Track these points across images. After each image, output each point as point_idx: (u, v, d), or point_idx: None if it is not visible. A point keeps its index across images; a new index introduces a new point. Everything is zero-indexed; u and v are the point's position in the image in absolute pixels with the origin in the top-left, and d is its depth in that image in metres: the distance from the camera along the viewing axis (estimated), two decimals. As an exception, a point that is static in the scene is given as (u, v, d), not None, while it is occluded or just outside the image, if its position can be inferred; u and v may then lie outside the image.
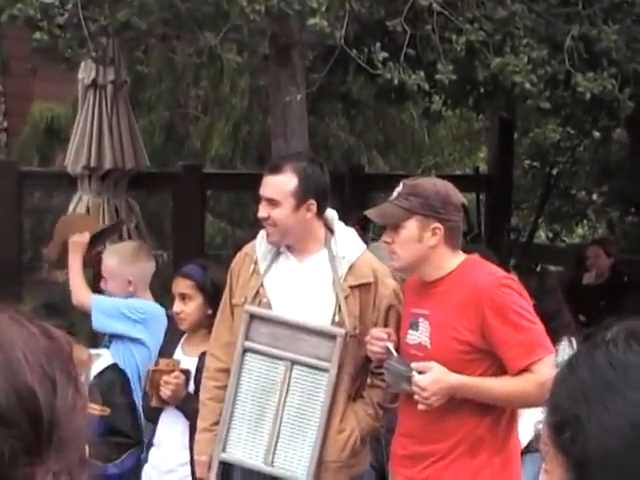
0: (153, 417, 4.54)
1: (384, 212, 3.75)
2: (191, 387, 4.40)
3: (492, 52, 6.06)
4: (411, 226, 3.65)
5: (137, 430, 4.62)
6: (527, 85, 5.88)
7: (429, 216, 3.64)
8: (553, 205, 12.98)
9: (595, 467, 1.06)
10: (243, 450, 3.94)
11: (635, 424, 1.04)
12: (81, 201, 8.11)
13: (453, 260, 3.72)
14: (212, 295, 4.39)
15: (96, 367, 4.57)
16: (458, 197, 3.75)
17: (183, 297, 4.47)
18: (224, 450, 3.95)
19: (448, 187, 3.74)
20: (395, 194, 3.73)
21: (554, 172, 12.61)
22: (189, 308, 4.46)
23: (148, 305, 5.22)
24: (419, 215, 3.64)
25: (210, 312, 4.40)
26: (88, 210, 8.04)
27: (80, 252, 5.68)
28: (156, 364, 4.47)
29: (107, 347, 5.04)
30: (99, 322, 5.09)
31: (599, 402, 1.07)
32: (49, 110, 13.20)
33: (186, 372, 4.39)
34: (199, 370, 4.37)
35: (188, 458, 4.36)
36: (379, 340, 3.75)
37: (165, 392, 4.33)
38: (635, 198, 11.36)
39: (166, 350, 4.59)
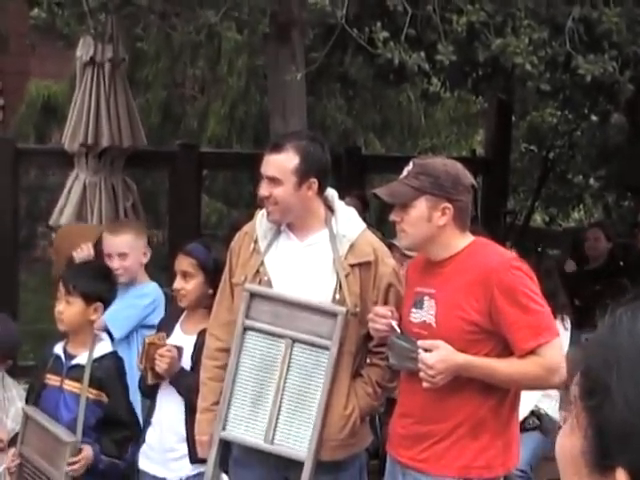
0: (150, 394, 4.54)
1: (394, 191, 3.73)
2: (187, 364, 4.41)
3: (493, 33, 6.04)
4: (421, 205, 3.64)
5: (136, 421, 4.61)
6: (528, 66, 5.86)
7: (439, 196, 3.63)
8: (550, 189, 13.00)
9: (613, 439, 1.06)
10: (244, 428, 3.93)
11: None
12: (78, 179, 8.09)
13: (461, 240, 3.71)
14: (214, 275, 4.38)
15: (96, 352, 4.56)
16: (468, 178, 3.73)
17: (184, 275, 4.47)
18: (224, 428, 3.94)
19: (458, 167, 3.74)
20: (405, 173, 3.71)
21: (551, 156, 12.61)
22: (190, 286, 4.46)
23: (153, 288, 5.29)
24: (429, 194, 3.63)
25: (211, 292, 4.40)
26: (85, 188, 8.02)
27: None
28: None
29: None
30: (121, 331, 5.10)
31: (630, 375, 1.06)
32: (46, 88, 13.18)
33: (178, 348, 4.39)
34: (197, 347, 4.38)
35: (185, 435, 4.37)
36: (383, 317, 3.74)
37: (161, 365, 4.33)
38: (632, 183, 11.37)
39: (165, 327, 4.59)
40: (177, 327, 4.53)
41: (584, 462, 1.11)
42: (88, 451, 4.34)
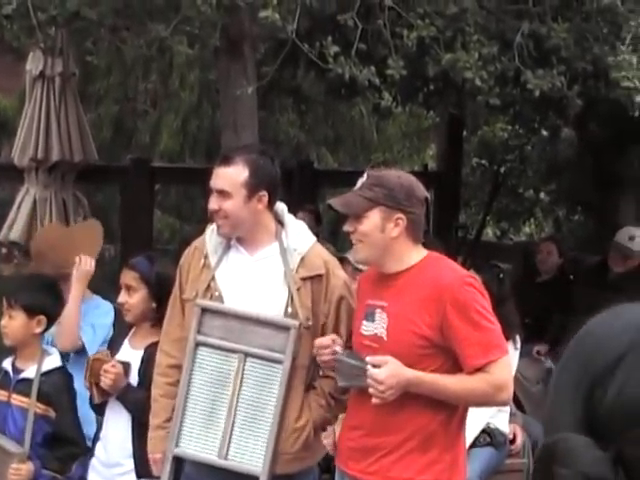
0: (100, 410, 4.50)
1: (348, 202, 3.75)
2: (134, 380, 4.38)
3: (443, 48, 6.07)
4: (374, 216, 3.67)
5: (82, 437, 4.58)
6: (477, 81, 5.90)
7: (392, 207, 3.66)
8: (501, 203, 13.07)
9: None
10: (196, 444, 3.91)
11: None
12: (28, 194, 8.01)
13: (415, 254, 3.73)
14: (157, 289, 4.38)
15: (44, 366, 4.52)
16: (422, 191, 3.76)
17: (128, 288, 4.44)
18: (177, 445, 3.91)
19: (412, 180, 3.77)
20: (359, 184, 3.74)
21: (502, 170, 12.68)
22: (133, 299, 4.44)
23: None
24: (382, 206, 3.66)
25: (154, 305, 4.39)
26: (35, 203, 7.95)
27: (86, 283, 5.30)
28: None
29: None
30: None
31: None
32: (-4, 102, 13.06)
33: (125, 364, 4.36)
34: (144, 362, 4.36)
35: (131, 451, 4.34)
36: (325, 348, 3.75)
37: (106, 381, 4.29)
38: (582, 197, 11.47)
39: (115, 343, 4.57)
40: (125, 342, 4.51)
41: None
42: (29, 465, 4.31)
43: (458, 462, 3.77)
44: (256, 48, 6.94)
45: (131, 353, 4.45)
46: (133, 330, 4.53)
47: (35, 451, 4.39)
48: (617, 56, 5.83)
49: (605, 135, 9.21)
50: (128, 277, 4.47)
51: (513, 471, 5.76)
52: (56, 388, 4.47)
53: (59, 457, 4.43)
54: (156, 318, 4.37)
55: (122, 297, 4.46)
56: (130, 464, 4.37)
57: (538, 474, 1.11)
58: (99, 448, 4.48)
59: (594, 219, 11.08)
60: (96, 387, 4.35)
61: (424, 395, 3.61)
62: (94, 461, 4.47)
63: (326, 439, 4.36)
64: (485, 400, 3.72)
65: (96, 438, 4.51)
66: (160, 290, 4.35)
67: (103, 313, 5.25)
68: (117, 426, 4.41)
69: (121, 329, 4.64)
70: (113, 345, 4.54)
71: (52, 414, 4.44)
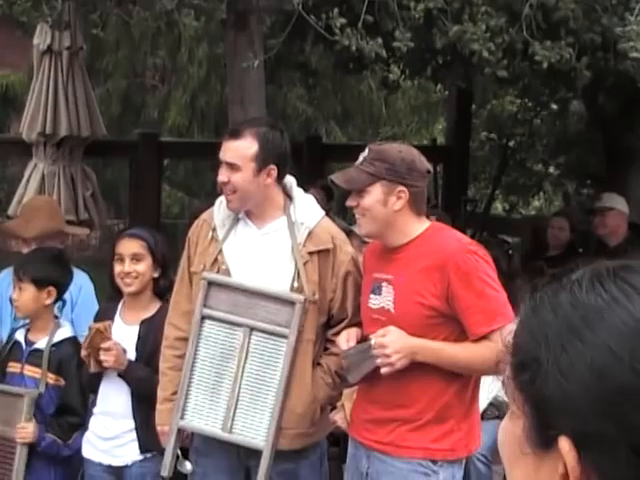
0: (92, 386, 4.51)
1: (350, 177, 3.76)
2: (132, 355, 4.39)
3: (450, 20, 6.04)
4: (376, 191, 3.66)
5: (85, 408, 4.61)
6: (485, 53, 5.87)
7: (394, 181, 3.65)
8: (510, 177, 13.05)
9: (553, 409, 1.07)
10: (202, 417, 3.91)
11: (593, 367, 1.05)
12: (36, 168, 8.02)
13: (418, 226, 3.73)
14: (160, 259, 4.40)
15: (56, 337, 4.56)
16: (423, 163, 3.75)
17: (134, 258, 4.43)
18: (182, 418, 3.92)
19: (414, 153, 3.76)
20: (361, 159, 3.74)
21: (511, 144, 12.66)
22: (141, 267, 4.42)
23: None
24: (384, 180, 3.66)
25: (156, 275, 4.40)
26: (43, 177, 7.96)
27: None
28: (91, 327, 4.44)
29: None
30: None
31: (559, 344, 1.08)
32: (4, 77, 13.08)
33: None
34: (140, 338, 4.37)
35: (133, 425, 4.36)
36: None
37: (107, 360, 4.29)
38: (591, 170, 11.43)
39: (102, 318, 4.53)
40: (117, 318, 4.48)
41: (527, 441, 1.11)
42: (35, 425, 4.38)
43: (474, 431, 3.79)
44: (263, 21, 6.91)
45: (126, 329, 4.43)
46: (123, 305, 4.49)
47: (42, 419, 4.44)
48: (626, 27, 5.79)
49: (614, 108, 9.15)
50: (135, 246, 4.44)
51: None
52: (66, 357, 4.52)
53: (60, 424, 4.47)
54: (158, 288, 4.41)
55: (129, 266, 4.40)
56: (129, 436, 4.39)
57: None
58: (93, 422, 4.48)
59: (603, 192, 11.04)
60: (94, 359, 4.34)
61: (434, 366, 3.62)
62: (89, 435, 4.48)
63: (337, 414, 4.36)
64: (489, 368, 3.72)
65: (90, 413, 4.53)
66: (163, 260, 4.40)
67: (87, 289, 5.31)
68: (115, 401, 4.41)
69: (109, 305, 4.63)
70: (101, 320, 4.51)
71: (62, 383, 4.49)
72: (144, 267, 4.41)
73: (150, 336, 4.34)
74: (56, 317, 4.72)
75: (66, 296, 4.92)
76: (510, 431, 1.16)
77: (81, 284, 5.29)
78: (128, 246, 4.44)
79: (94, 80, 9.56)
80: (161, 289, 4.44)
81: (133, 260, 4.41)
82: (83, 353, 4.37)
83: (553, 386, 1.07)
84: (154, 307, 4.44)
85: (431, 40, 6.24)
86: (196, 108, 12.84)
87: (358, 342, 3.74)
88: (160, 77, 13.73)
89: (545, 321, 1.11)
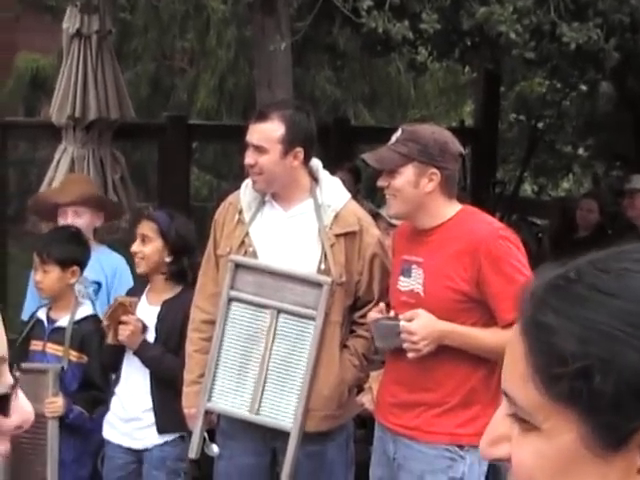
0: (112, 364, 4.56)
1: (381, 157, 3.74)
2: (152, 336, 4.43)
3: (477, 1, 6.02)
4: (408, 172, 3.65)
5: (107, 384, 4.65)
6: (512, 35, 5.86)
7: (426, 163, 3.63)
8: (539, 159, 12.99)
9: (626, 402, 0.96)
10: (229, 399, 3.93)
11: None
12: (66, 152, 8.06)
13: (449, 209, 3.71)
14: (173, 243, 4.41)
15: (77, 314, 4.60)
16: (456, 146, 3.73)
17: (143, 238, 4.47)
18: (210, 400, 3.94)
19: (447, 135, 3.74)
20: (393, 139, 3.72)
21: (540, 126, 12.60)
22: (147, 249, 4.46)
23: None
24: (416, 161, 3.64)
25: (168, 260, 4.43)
26: (73, 161, 8.00)
27: None
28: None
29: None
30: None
31: (620, 334, 0.98)
32: (34, 62, 13.13)
33: (143, 325, 4.42)
34: (160, 319, 4.41)
35: (151, 405, 4.40)
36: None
37: (123, 333, 4.34)
38: (620, 152, 11.37)
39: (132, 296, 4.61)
40: (143, 298, 4.54)
41: (587, 448, 0.99)
42: (62, 398, 4.40)
43: None
44: (290, 3, 6.91)
45: (148, 309, 4.48)
46: (149, 286, 4.56)
47: (66, 395, 4.49)
48: (655, 8, 5.77)
49: (644, 89, 9.10)
50: (146, 227, 4.49)
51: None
52: (88, 333, 4.55)
53: (85, 398, 4.51)
54: (169, 272, 4.42)
55: (137, 246, 4.47)
56: (148, 418, 4.42)
57: None
58: (115, 403, 4.53)
59: (633, 174, 10.98)
60: (113, 331, 4.40)
61: (461, 350, 3.62)
62: (109, 416, 4.53)
63: (364, 396, 4.38)
64: None
65: (111, 393, 4.58)
66: (176, 245, 4.40)
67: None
68: (135, 381, 4.46)
69: (139, 285, 4.69)
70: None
71: (85, 360, 4.53)
72: (151, 249, 4.44)
73: (169, 317, 4.39)
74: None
75: (101, 278, 4.98)
76: (542, 450, 1.02)
77: (116, 267, 5.33)
78: (141, 227, 4.50)
79: (123, 63, 9.58)
80: (173, 274, 4.45)
81: (143, 241, 4.46)
82: (104, 323, 4.42)
83: (629, 374, 0.97)
84: (175, 289, 4.48)
85: (458, 22, 6.22)
86: (224, 91, 12.85)
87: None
88: (189, 60, 13.74)
89: (589, 317, 1.02)
